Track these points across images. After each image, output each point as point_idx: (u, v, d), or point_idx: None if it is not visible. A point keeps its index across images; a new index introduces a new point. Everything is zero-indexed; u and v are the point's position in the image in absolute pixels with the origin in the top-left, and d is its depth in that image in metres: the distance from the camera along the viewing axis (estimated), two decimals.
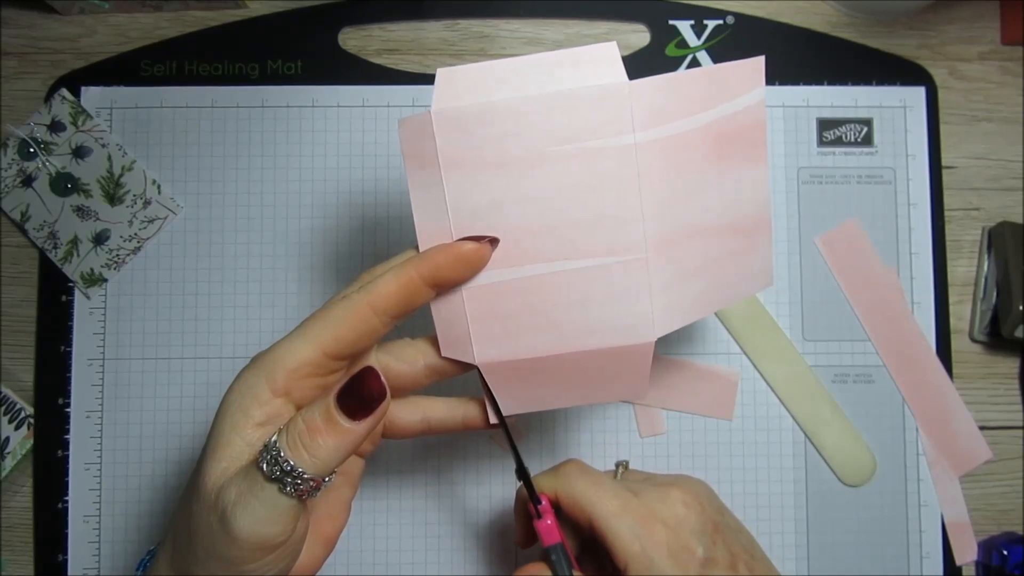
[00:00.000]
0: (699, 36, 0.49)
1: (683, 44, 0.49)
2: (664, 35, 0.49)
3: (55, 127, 0.47)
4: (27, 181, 0.47)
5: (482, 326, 0.31)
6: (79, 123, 0.47)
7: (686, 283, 0.33)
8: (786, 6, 0.49)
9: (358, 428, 0.27)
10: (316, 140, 0.48)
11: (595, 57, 0.32)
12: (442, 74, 0.31)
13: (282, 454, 0.26)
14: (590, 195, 0.31)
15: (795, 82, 0.49)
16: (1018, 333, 0.45)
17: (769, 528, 0.46)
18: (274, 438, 0.27)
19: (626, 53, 0.49)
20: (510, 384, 0.32)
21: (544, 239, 0.31)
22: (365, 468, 0.35)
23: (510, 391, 0.33)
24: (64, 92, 0.47)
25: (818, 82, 0.49)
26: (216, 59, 0.48)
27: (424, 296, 0.30)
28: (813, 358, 0.47)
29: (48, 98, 0.48)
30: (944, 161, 0.48)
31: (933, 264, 0.48)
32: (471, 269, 0.31)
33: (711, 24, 0.49)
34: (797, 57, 0.49)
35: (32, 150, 0.47)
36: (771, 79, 0.49)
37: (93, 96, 0.48)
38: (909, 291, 0.48)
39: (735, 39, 0.49)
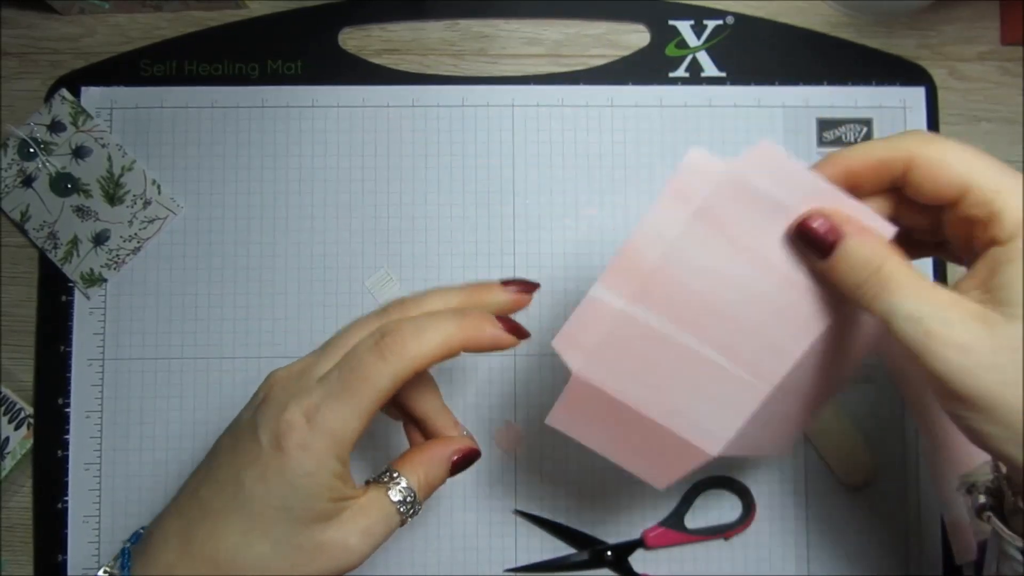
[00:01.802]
0: (699, 36, 0.49)
1: (683, 44, 0.49)
2: (664, 35, 0.49)
3: (55, 127, 0.47)
4: (27, 181, 0.47)
5: (606, 347, 0.31)
6: (79, 123, 0.47)
7: (768, 428, 0.33)
8: (786, 6, 0.49)
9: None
10: (316, 140, 0.48)
11: None
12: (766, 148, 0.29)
13: (419, 503, 0.34)
14: (771, 315, 0.30)
15: (795, 82, 0.49)
16: None
17: (769, 528, 0.46)
18: (412, 493, 0.33)
19: (626, 53, 0.49)
20: (577, 405, 0.33)
21: (710, 319, 0.31)
22: None
23: (571, 409, 0.33)
24: (64, 92, 0.47)
25: (818, 82, 0.49)
26: (216, 59, 0.48)
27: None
28: None
29: (48, 98, 0.48)
30: None
31: (933, 264, 0.48)
32: (502, 349, 0.34)
33: (711, 24, 0.49)
34: (797, 57, 0.49)
35: (32, 150, 0.47)
36: (771, 79, 0.49)
37: (93, 96, 0.48)
38: None
39: (735, 39, 0.49)
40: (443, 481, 0.35)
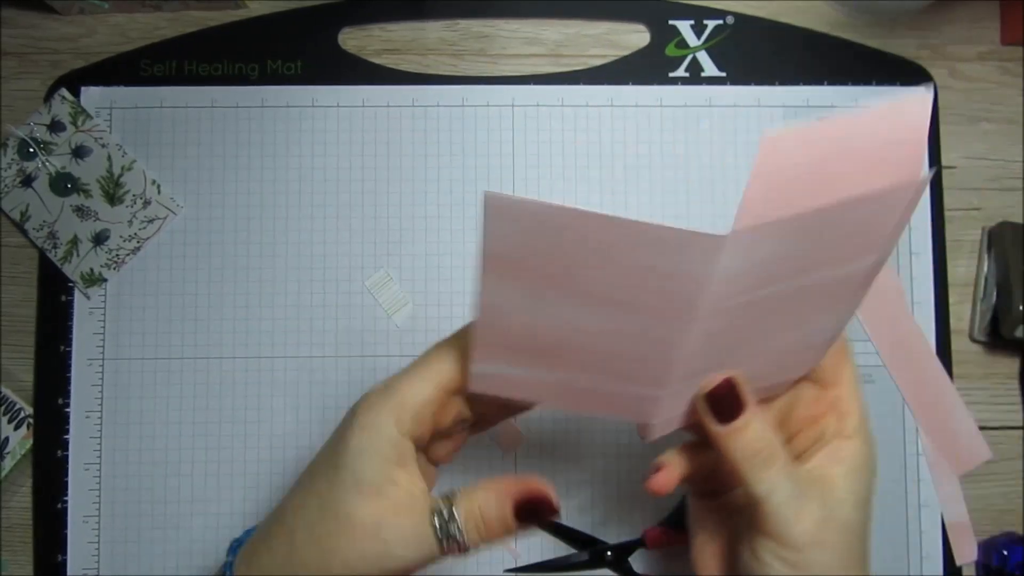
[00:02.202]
0: (699, 36, 0.49)
1: (683, 44, 0.49)
2: (664, 35, 0.49)
3: (55, 127, 0.47)
4: (27, 181, 0.47)
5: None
6: (79, 123, 0.47)
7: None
8: (786, 6, 0.49)
9: (515, 529, 0.31)
10: (316, 140, 0.48)
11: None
12: None
13: (459, 527, 0.30)
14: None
15: (795, 82, 0.49)
16: (1018, 333, 0.45)
17: None
18: (453, 509, 0.30)
19: (626, 53, 0.49)
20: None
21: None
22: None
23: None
24: (64, 92, 0.47)
25: (818, 82, 0.49)
26: (216, 59, 0.48)
27: None
28: None
29: (48, 98, 0.48)
30: (944, 161, 0.48)
31: (933, 264, 0.48)
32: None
33: (711, 24, 0.49)
34: (797, 57, 0.49)
35: (32, 150, 0.47)
36: (771, 79, 0.49)
37: (93, 96, 0.48)
38: (909, 291, 0.48)
39: (735, 39, 0.49)
40: (502, 524, 0.30)
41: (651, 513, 0.46)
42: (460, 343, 0.30)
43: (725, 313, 0.27)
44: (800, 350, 0.31)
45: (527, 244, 0.26)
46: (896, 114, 0.25)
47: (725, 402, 0.30)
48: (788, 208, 0.25)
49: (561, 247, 0.26)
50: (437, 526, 0.29)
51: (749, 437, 0.30)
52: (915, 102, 0.25)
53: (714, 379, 0.30)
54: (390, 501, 0.29)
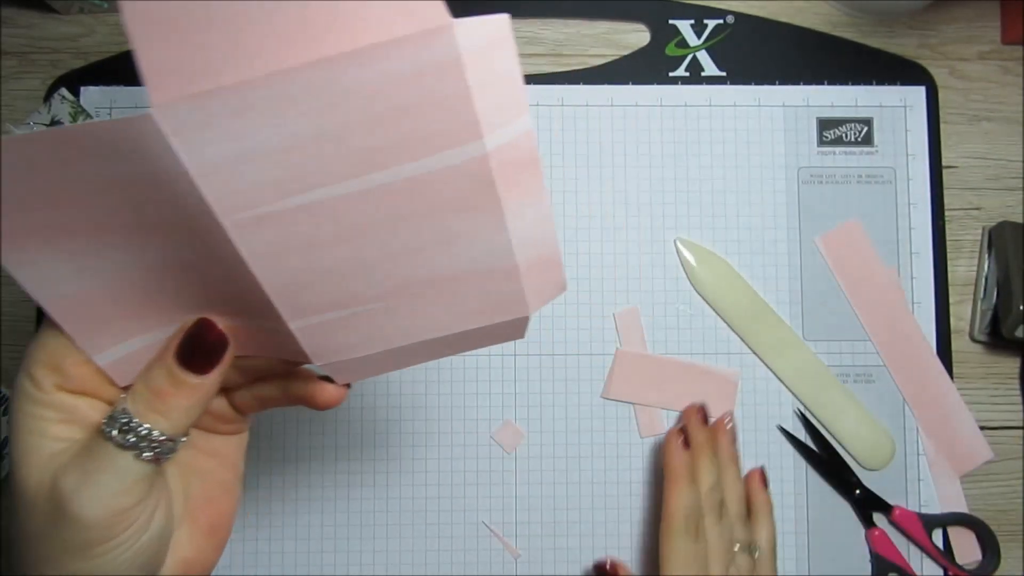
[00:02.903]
0: (699, 36, 0.49)
1: (683, 44, 0.49)
2: (664, 34, 0.49)
3: (54, 127, 0.47)
4: None
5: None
6: (79, 123, 0.47)
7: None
8: (786, 6, 0.49)
9: (207, 381, 0.27)
10: None
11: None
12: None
13: (134, 420, 0.26)
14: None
15: (795, 82, 0.49)
16: (1018, 333, 0.45)
17: None
18: (123, 407, 0.26)
19: (626, 53, 0.49)
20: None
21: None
22: (247, 451, 0.32)
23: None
24: (63, 92, 0.47)
25: (818, 82, 0.49)
26: None
27: None
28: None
29: (47, 98, 0.48)
30: (944, 161, 0.48)
31: (933, 264, 0.48)
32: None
33: (711, 24, 0.49)
34: (797, 57, 0.49)
35: None
36: (771, 79, 0.49)
37: (92, 96, 0.48)
38: (909, 291, 0.48)
39: (735, 39, 0.49)
40: (176, 387, 0.26)
41: (653, 512, 0.46)
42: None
43: (264, 224, 0.23)
44: (482, 274, 0.26)
45: (34, 191, 0.22)
46: None
47: None
48: (223, 72, 0.20)
49: (52, 182, 0.22)
50: (117, 438, 0.25)
51: None
52: None
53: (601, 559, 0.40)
54: (46, 456, 0.26)
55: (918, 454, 0.47)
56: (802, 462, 0.47)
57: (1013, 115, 0.49)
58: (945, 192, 0.48)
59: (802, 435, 0.47)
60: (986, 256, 0.48)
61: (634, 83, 0.48)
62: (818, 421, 0.47)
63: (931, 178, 0.48)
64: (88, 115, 0.47)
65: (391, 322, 0.27)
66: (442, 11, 0.21)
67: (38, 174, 0.22)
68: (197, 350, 0.26)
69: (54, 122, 0.47)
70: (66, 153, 0.21)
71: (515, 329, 0.29)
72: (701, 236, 0.48)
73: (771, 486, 0.46)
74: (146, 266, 0.25)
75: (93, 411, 0.27)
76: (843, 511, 0.46)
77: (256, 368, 0.30)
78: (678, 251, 0.47)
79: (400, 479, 0.46)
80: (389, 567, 0.46)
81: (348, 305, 0.26)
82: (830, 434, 0.46)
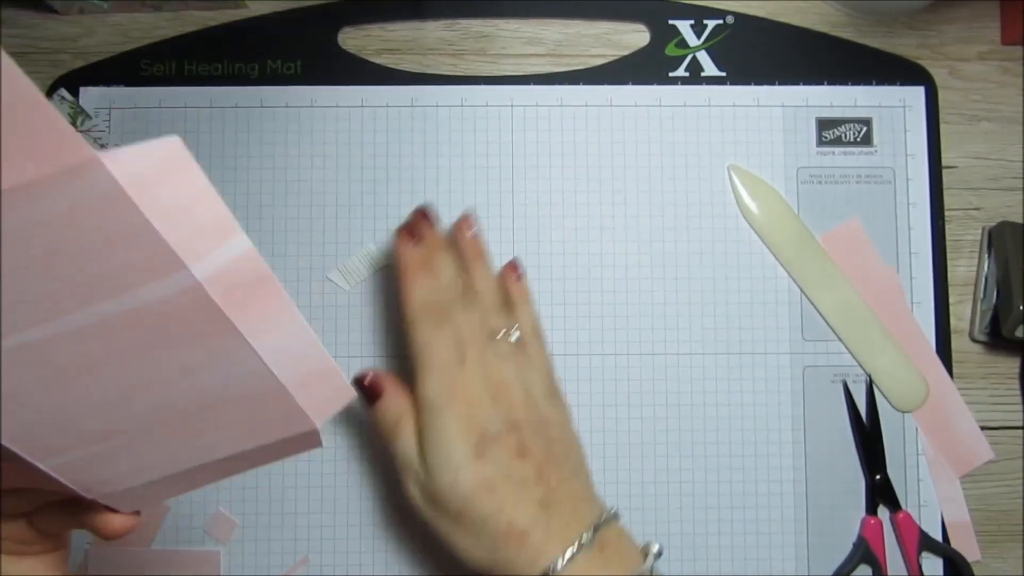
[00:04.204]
0: (699, 36, 0.49)
1: (683, 44, 0.49)
2: (664, 35, 0.49)
3: None
4: None
5: None
6: (78, 123, 0.47)
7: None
8: (786, 6, 0.49)
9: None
10: (315, 140, 0.48)
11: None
12: None
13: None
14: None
15: (795, 82, 0.49)
16: (1018, 333, 0.45)
17: (769, 528, 0.46)
18: None
19: (626, 53, 0.49)
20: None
21: None
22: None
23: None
24: (63, 92, 0.47)
25: (818, 82, 0.49)
26: (215, 59, 0.48)
27: None
28: (813, 358, 0.47)
29: (47, 98, 0.48)
30: (944, 161, 0.48)
31: (933, 264, 0.48)
32: None
33: (711, 24, 0.49)
34: (797, 57, 0.49)
35: None
36: (771, 79, 0.49)
37: (92, 96, 0.48)
38: (909, 291, 0.48)
39: (735, 39, 0.49)
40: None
41: (651, 520, 0.46)
42: None
43: None
44: (247, 398, 0.26)
45: None
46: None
47: (368, 390, 0.40)
48: None
49: None
50: None
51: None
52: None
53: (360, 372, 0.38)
54: None
55: (918, 454, 0.47)
56: (802, 461, 0.46)
57: (1013, 115, 0.49)
58: (945, 192, 0.48)
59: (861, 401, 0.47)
60: (986, 256, 0.48)
61: (634, 83, 0.48)
62: (854, 358, 0.47)
63: (931, 178, 0.48)
64: (88, 115, 0.47)
65: (158, 450, 0.26)
66: (81, 146, 0.19)
67: None
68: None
69: None
70: None
71: (309, 440, 0.28)
72: (700, 236, 0.48)
73: (770, 486, 0.46)
74: None
75: None
76: (844, 510, 0.46)
77: (38, 496, 0.29)
78: (730, 178, 0.47)
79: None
80: (388, 567, 0.46)
81: (99, 440, 0.25)
82: (866, 373, 0.47)
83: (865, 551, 0.45)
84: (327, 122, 0.48)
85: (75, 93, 0.48)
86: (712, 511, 0.46)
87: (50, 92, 0.48)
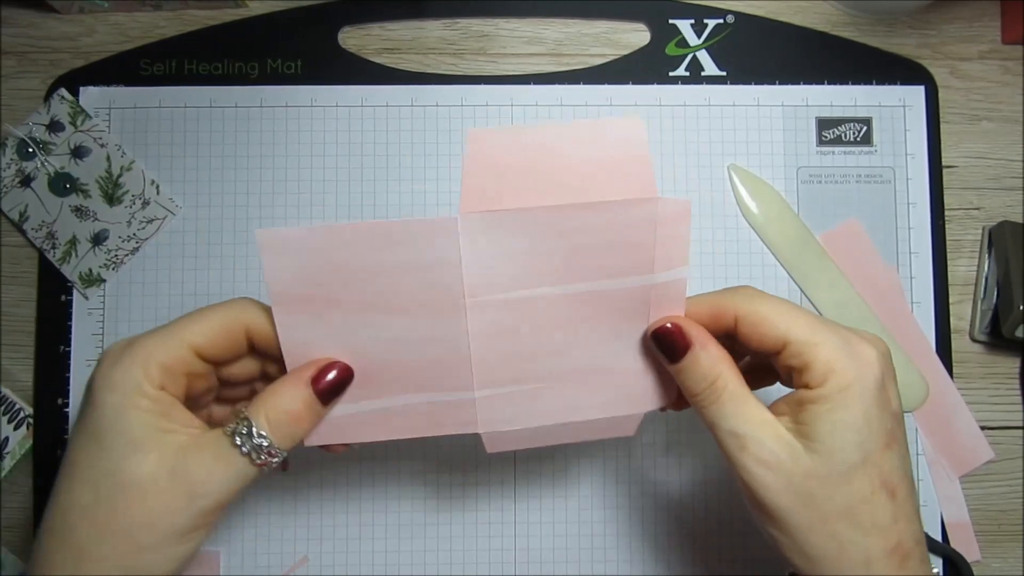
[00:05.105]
0: (699, 35, 0.49)
1: (683, 43, 0.49)
2: (664, 34, 0.49)
3: (54, 127, 0.47)
4: (26, 181, 0.47)
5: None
6: (78, 123, 0.47)
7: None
8: (786, 6, 0.49)
9: (325, 411, 0.31)
10: (315, 140, 0.48)
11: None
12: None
13: (262, 433, 0.29)
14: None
15: (795, 81, 0.48)
16: (1018, 333, 0.45)
17: None
18: (245, 418, 0.30)
19: (626, 52, 0.49)
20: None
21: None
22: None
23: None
24: (63, 92, 0.47)
25: (818, 81, 0.49)
26: (215, 58, 0.48)
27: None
28: None
29: (47, 98, 0.48)
30: (944, 160, 0.48)
31: (933, 264, 0.48)
32: None
33: (711, 23, 0.49)
34: (797, 56, 0.49)
35: (31, 150, 0.47)
36: (771, 78, 0.48)
37: (92, 96, 0.48)
38: (909, 291, 0.47)
39: (735, 38, 0.49)
40: (308, 413, 0.30)
41: (651, 513, 0.46)
42: (219, 312, 0.31)
43: (494, 308, 0.30)
44: (607, 375, 0.33)
45: (306, 272, 0.29)
46: (605, 131, 0.29)
47: (669, 342, 0.32)
48: (505, 201, 0.29)
49: (334, 266, 0.29)
50: (239, 443, 0.29)
51: (696, 374, 0.31)
52: (627, 125, 0.29)
53: (660, 321, 0.32)
54: (173, 445, 0.29)
55: (917, 454, 0.47)
56: None
57: (1013, 115, 0.49)
58: (945, 192, 0.48)
59: None
60: (986, 256, 0.48)
61: (634, 83, 0.48)
62: None
63: (931, 178, 0.48)
64: (87, 115, 0.47)
65: (543, 402, 0.33)
66: (653, 187, 0.29)
67: (335, 255, 0.29)
68: (338, 388, 0.31)
69: (53, 122, 0.47)
70: (377, 241, 0.28)
71: (627, 424, 0.34)
72: (700, 235, 0.48)
73: None
74: (379, 340, 0.30)
75: (183, 413, 0.30)
76: None
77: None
78: (730, 178, 0.47)
79: (399, 477, 0.46)
80: (388, 567, 0.46)
81: (522, 382, 0.32)
82: None
83: None
84: (327, 122, 0.48)
85: (75, 93, 0.48)
86: (712, 511, 0.46)
87: (50, 91, 0.48)
